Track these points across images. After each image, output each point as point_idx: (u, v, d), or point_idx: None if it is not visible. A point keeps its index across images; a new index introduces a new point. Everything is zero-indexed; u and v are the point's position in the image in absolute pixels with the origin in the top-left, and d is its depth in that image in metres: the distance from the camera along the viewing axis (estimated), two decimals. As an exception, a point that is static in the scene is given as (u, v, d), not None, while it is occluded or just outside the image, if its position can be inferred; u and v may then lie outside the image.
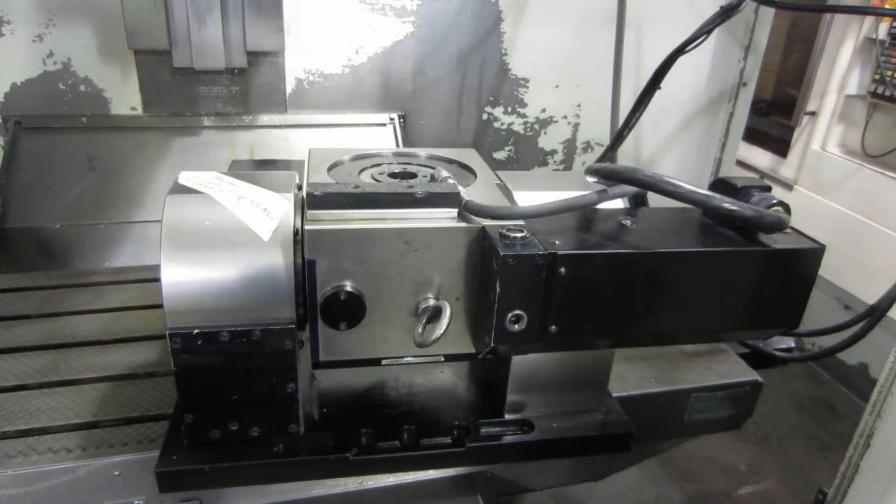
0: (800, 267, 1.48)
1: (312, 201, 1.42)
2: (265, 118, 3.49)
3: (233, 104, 3.43)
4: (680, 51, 2.53)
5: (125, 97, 3.32)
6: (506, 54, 3.82)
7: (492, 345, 1.40)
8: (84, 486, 1.62)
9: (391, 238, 1.42)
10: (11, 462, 1.59)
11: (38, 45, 3.14)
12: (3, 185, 3.12)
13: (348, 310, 1.44)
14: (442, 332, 1.40)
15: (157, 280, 1.39)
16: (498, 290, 1.33)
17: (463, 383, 1.92)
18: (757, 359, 2.21)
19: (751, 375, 2.10)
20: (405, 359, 1.57)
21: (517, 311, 1.36)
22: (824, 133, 4.15)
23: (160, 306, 1.40)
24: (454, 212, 1.47)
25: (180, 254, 1.40)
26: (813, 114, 4.21)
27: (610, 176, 1.50)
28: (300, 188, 1.60)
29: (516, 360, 1.68)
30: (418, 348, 1.45)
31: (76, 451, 1.64)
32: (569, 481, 2.33)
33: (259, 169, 2.07)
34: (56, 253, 3.20)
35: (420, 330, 1.44)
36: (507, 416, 1.75)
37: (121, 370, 1.94)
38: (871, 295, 3.73)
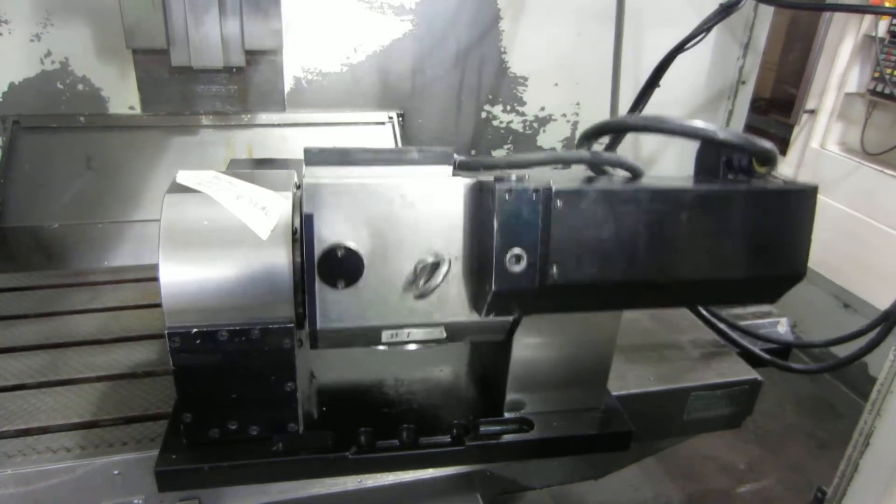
0: (795, 207, 1.46)
1: (310, 158, 1.43)
2: (263, 117, 3.49)
3: (231, 103, 3.43)
4: (679, 49, 2.53)
5: (123, 96, 3.32)
6: (504, 52, 3.81)
7: (493, 288, 1.35)
8: (83, 486, 1.62)
9: (388, 191, 1.42)
10: (11, 461, 1.59)
11: (35, 44, 3.14)
12: (2, 185, 3.11)
13: (346, 266, 1.42)
14: (441, 279, 1.40)
15: (156, 279, 1.39)
16: (496, 225, 1.32)
17: (462, 382, 1.92)
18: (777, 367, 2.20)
19: (750, 374, 2.10)
20: (406, 332, 1.52)
21: (517, 251, 1.34)
22: (823, 131, 4.15)
23: (159, 305, 1.40)
24: (449, 169, 1.48)
25: (179, 253, 1.40)
26: (812, 112, 4.20)
27: (601, 130, 1.52)
28: (299, 187, 1.60)
29: (516, 357, 1.67)
30: (418, 300, 1.44)
31: (75, 450, 1.64)
32: (568, 480, 2.33)
33: (257, 168, 2.07)
34: (55, 252, 3.20)
35: (420, 283, 1.43)
36: (507, 415, 1.75)
37: (120, 369, 1.94)
38: (870, 293, 3.74)
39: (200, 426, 1.55)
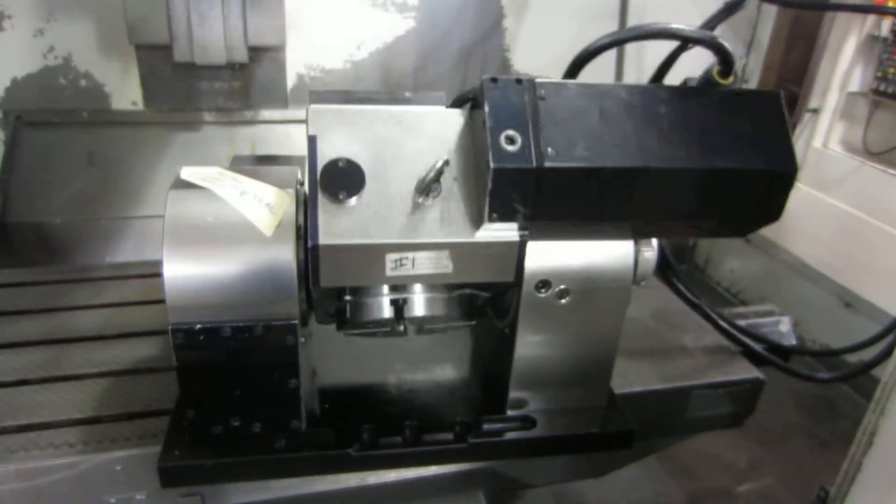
0: (763, 108, 1.56)
1: (315, 98, 1.52)
2: (266, 113, 3.49)
3: (234, 99, 3.43)
4: (683, 48, 2.51)
5: (126, 92, 3.32)
6: (507, 50, 3.82)
7: (491, 165, 1.37)
8: (86, 481, 1.62)
9: (385, 118, 1.50)
10: (13, 457, 1.59)
11: (38, 39, 3.14)
12: (4, 180, 3.12)
13: (347, 177, 1.44)
14: (440, 173, 1.43)
15: (159, 275, 1.39)
16: (486, 110, 1.40)
17: (465, 379, 1.92)
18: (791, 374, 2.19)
19: (752, 373, 2.10)
20: (410, 258, 1.48)
21: (509, 132, 1.40)
22: (826, 130, 4.14)
23: (161, 301, 1.40)
24: (442, 106, 1.59)
25: (182, 249, 1.40)
26: (815, 111, 4.20)
27: (584, 60, 1.60)
28: (302, 184, 1.60)
29: (519, 355, 1.67)
30: (421, 198, 1.45)
31: (78, 445, 1.64)
32: (570, 478, 2.34)
33: (260, 164, 2.06)
34: (57, 248, 3.20)
35: (423, 179, 1.44)
36: (510, 413, 1.75)
37: (122, 365, 1.94)
38: (872, 293, 3.74)
39: (203, 422, 1.55)
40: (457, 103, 1.58)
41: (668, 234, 1.76)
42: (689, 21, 2.90)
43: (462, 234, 1.48)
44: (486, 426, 1.71)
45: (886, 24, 3.78)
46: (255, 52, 3.30)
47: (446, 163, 1.43)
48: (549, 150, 1.41)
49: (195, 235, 1.41)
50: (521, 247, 1.52)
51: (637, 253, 1.65)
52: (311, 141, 1.45)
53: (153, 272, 2.11)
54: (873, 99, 3.98)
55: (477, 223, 1.48)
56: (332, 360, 1.90)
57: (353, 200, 1.44)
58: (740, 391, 2.09)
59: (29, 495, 1.59)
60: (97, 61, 3.24)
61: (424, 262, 1.49)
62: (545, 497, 2.98)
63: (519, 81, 1.44)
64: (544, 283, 1.58)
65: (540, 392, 1.74)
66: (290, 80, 3.52)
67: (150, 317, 2.18)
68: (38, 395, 1.81)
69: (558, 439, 1.72)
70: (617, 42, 1.60)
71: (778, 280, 4.47)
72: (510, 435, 1.71)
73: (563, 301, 1.61)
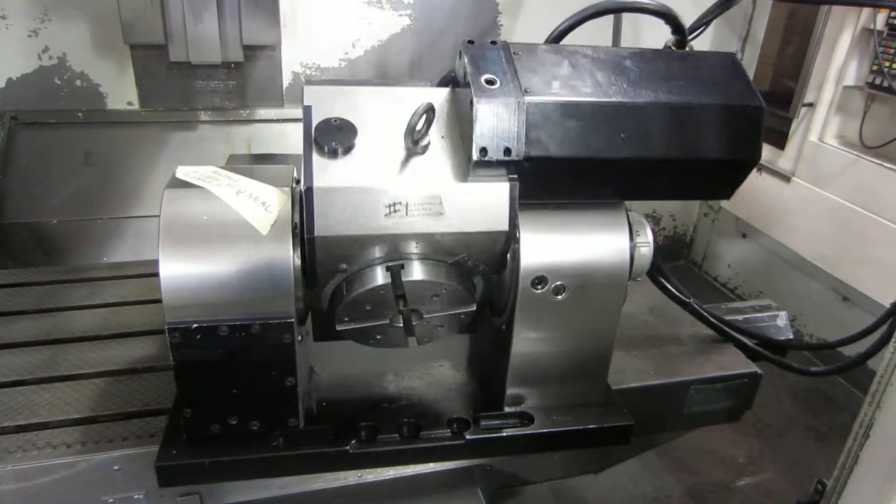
0: (722, 62, 1.65)
1: (310, 81, 1.60)
2: (262, 112, 3.48)
3: (230, 99, 3.42)
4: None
5: (121, 92, 3.32)
6: (503, 47, 3.81)
7: (474, 101, 1.42)
8: (84, 481, 1.62)
9: (377, 93, 1.58)
10: (11, 457, 1.59)
11: (33, 39, 3.13)
12: (0, 181, 3.11)
13: (341, 131, 1.48)
14: (427, 118, 1.45)
15: (156, 275, 1.39)
16: (466, 60, 1.50)
17: (462, 376, 1.92)
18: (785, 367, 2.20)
19: (749, 367, 2.10)
20: (404, 205, 1.48)
21: (488, 76, 1.48)
22: (822, 124, 4.14)
23: (158, 301, 1.40)
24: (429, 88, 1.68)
25: (179, 248, 1.40)
26: (811, 105, 4.19)
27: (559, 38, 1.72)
28: (298, 182, 1.60)
29: (516, 351, 1.67)
30: (409, 142, 1.49)
31: (76, 445, 1.64)
32: (568, 473, 2.34)
33: (257, 163, 2.06)
34: (54, 248, 3.20)
35: (410, 124, 1.48)
36: (507, 409, 1.75)
37: (120, 365, 1.94)
38: (869, 286, 3.74)
39: (201, 421, 1.55)
40: (442, 83, 1.67)
41: (656, 195, 1.78)
42: (684, 15, 2.90)
43: (453, 180, 1.50)
44: (483, 423, 1.72)
45: (882, 18, 3.77)
46: (251, 50, 3.30)
47: (430, 107, 1.46)
48: (527, 89, 1.48)
49: (191, 234, 1.41)
50: (511, 192, 1.51)
51: (633, 248, 1.65)
52: (307, 110, 1.49)
53: (150, 272, 2.11)
54: (869, 92, 3.98)
55: (466, 172, 1.49)
56: (329, 357, 1.90)
57: (347, 155, 1.47)
58: (738, 386, 2.09)
59: (27, 496, 1.59)
60: (92, 61, 3.23)
61: (418, 208, 1.48)
62: (544, 493, 2.99)
63: (494, 42, 1.57)
64: (541, 280, 1.58)
65: (537, 388, 1.75)
66: (286, 79, 3.51)
67: (147, 316, 2.18)
68: (36, 396, 1.81)
69: (556, 435, 1.72)
70: (578, 22, 1.74)
71: (775, 275, 4.48)
72: (508, 431, 1.71)
73: (559, 297, 1.61)
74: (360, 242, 1.49)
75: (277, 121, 3.50)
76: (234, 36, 3.15)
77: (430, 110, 1.45)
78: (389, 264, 1.51)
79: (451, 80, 1.62)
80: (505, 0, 3.70)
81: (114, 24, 3.03)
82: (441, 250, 1.55)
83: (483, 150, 1.44)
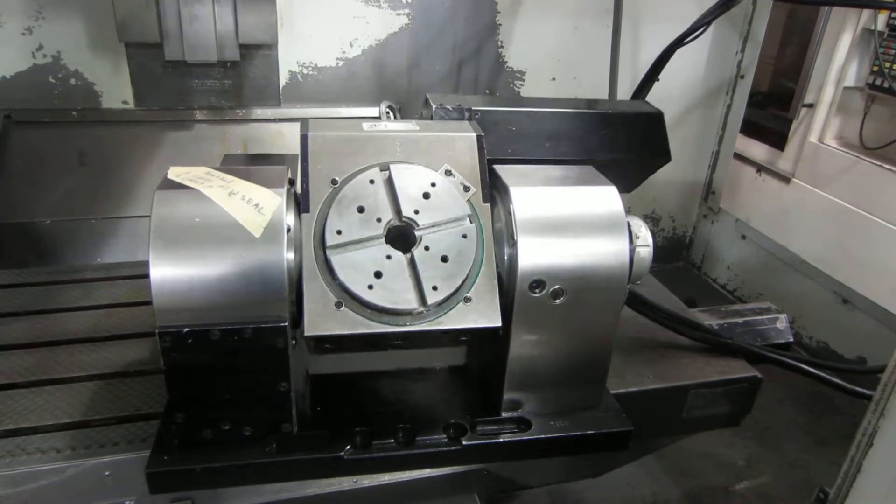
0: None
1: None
2: (258, 112, 3.46)
3: (226, 98, 3.40)
4: (678, 42, 2.49)
5: (116, 91, 3.29)
6: (502, 47, 3.79)
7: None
8: (74, 487, 1.59)
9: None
10: (0, 462, 1.56)
11: (27, 38, 3.10)
12: (-7, 180, 3.08)
13: None
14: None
15: (148, 277, 1.36)
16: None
17: (459, 381, 1.89)
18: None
19: (749, 371, 2.08)
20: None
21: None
22: (822, 125, 4.12)
23: (151, 303, 1.38)
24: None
25: (170, 251, 1.38)
26: (810, 106, 4.18)
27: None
28: (292, 183, 1.58)
29: (513, 356, 1.65)
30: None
31: (66, 451, 1.61)
32: (566, 478, 2.32)
33: (252, 163, 2.04)
34: (47, 248, 3.17)
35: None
36: (504, 414, 1.72)
37: (111, 368, 1.92)
38: (869, 288, 3.72)
39: (192, 426, 1.52)
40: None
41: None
42: (685, 15, 2.89)
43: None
44: (480, 428, 1.69)
45: (882, 18, 3.76)
46: (247, 49, 3.27)
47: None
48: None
49: (182, 237, 1.39)
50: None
51: (632, 252, 1.63)
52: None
53: (144, 273, 2.08)
54: (869, 93, 3.96)
55: None
56: (324, 360, 1.88)
57: None
58: (737, 390, 2.07)
59: (16, 502, 1.57)
60: (87, 60, 3.20)
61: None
62: (542, 498, 2.97)
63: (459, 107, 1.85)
64: (538, 283, 1.56)
65: (535, 393, 1.72)
66: (283, 78, 3.49)
67: (140, 318, 2.16)
68: (26, 400, 1.78)
69: (553, 441, 1.69)
70: None
71: (775, 276, 4.46)
72: (505, 437, 1.68)
73: (557, 301, 1.59)
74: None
75: (274, 120, 3.47)
76: (230, 34, 3.12)
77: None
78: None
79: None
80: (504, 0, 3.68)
81: (108, 22, 3.00)
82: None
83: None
